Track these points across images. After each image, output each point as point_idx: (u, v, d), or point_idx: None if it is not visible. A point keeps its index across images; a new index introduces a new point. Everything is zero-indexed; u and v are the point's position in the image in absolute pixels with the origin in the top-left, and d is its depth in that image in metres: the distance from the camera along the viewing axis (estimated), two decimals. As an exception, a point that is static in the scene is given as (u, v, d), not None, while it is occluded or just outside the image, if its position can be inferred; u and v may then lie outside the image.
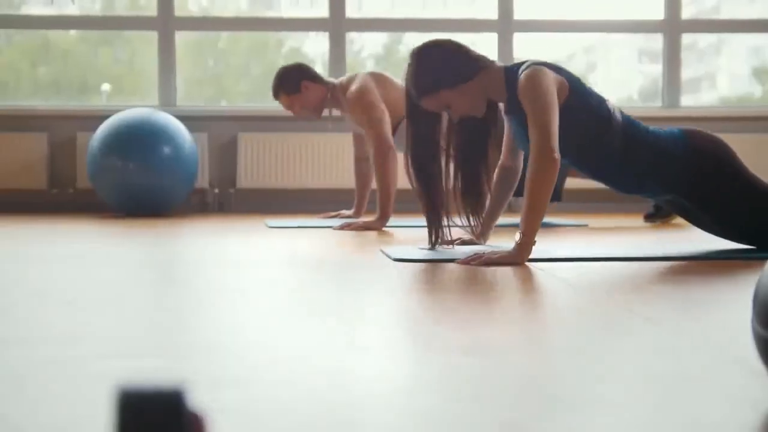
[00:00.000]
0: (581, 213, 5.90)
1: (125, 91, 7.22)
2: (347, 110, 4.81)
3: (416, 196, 3.21)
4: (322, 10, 6.46)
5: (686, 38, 6.73)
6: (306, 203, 6.17)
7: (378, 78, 4.79)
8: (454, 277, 2.58)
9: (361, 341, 1.69)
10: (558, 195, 4.91)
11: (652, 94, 7.86)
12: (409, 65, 3.13)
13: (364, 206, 5.23)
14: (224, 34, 7.30)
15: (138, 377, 1.31)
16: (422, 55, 3.11)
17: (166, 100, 6.35)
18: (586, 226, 4.88)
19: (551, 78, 2.97)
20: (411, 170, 3.19)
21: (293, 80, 4.86)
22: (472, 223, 3.28)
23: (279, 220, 5.12)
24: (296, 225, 4.72)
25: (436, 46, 3.13)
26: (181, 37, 6.60)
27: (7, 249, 3.57)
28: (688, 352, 1.58)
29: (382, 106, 4.68)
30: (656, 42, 6.82)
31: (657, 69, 8.37)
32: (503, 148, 3.32)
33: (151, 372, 1.40)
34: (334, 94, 4.87)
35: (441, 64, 3.08)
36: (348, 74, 4.98)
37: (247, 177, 6.26)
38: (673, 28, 6.55)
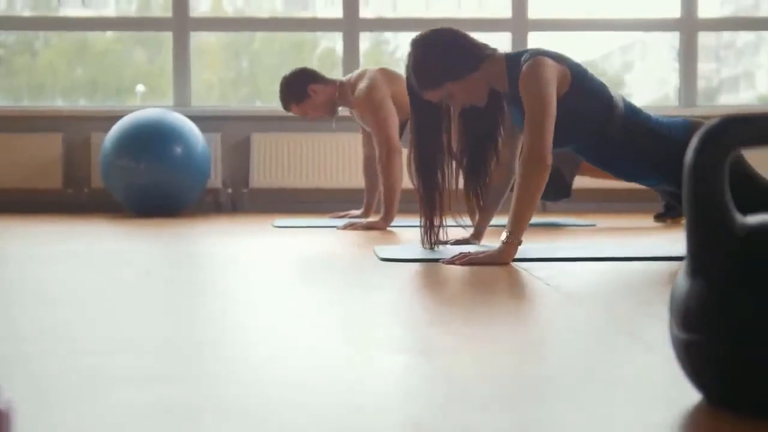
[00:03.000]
0: (591, 213, 5.87)
1: (158, 92, 7.29)
2: (355, 107, 4.80)
3: (416, 192, 3.19)
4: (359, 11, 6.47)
5: (725, 36, 6.66)
6: (318, 203, 6.18)
7: (387, 74, 4.77)
8: (437, 277, 2.58)
9: (324, 342, 1.69)
10: (567, 191, 4.88)
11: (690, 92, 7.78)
12: (410, 55, 3.08)
13: (373, 206, 5.22)
14: (259, 35, 7.33)
15: None
16: (424, 46, 3.06)
17: (181, 101, 6.39)
18: (594, 226, 4.85)
19: (553, 69, 2.94)
20: (414, 164, 3.15)
21: (300, 87, 4.84)
22: (470, 215, 3.27)
23: (285, 220, 5.14)
24: (301, 225, 4.73)
25: (439, 36, 3.07)
26: (216, 38, 6.64)
27: (15, 248, 3.61)
28: (636, 353, 1.56)
29: (390, 105, 4.67)
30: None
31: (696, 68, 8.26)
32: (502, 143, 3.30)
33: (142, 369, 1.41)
34: (342, 92, 4.85)
35: (444, 55, 3.03)
36: (357, 71, 4.95)
37: (260, 177, 6.28)
38: (689, 26, 6.49)
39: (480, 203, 3.26)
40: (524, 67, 2.94)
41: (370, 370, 1.44)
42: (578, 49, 7.58)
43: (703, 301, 1.12)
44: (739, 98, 8.18)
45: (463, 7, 7.60)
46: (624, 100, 3.08)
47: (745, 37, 8.03)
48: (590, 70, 3.08)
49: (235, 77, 7.56)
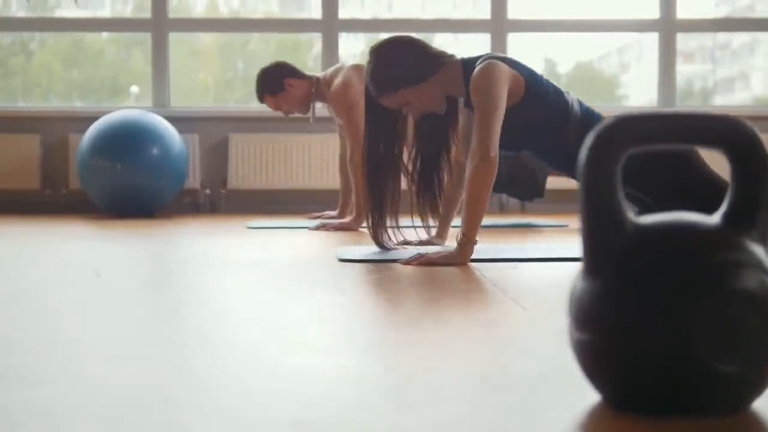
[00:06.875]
0: (565, 213, 5.86)
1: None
2: (331, 103, 4.81)
3: (366, 192, 3.18)
4: (346, 12, 6.46)
5: (720, 37, 6.64)
6: (296, 204, 6.18)
7: (361, 71, 4.76)
8: (389, 278, 2.57)
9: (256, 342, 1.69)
10: (540, 191, 4.87)
11: (687, 94, 7.78)
12: (369, 62, 3.11)
13: (348, 207, 5.21)
14: (255, 36, 7.33)
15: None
16: (381, 53, 3.10)
17: (160, 102, 6.38)
18: (566, 226, 4.85)
19: (505, 74, 2.95)
20: (367, 167, 3.16)
21: (276, 79, 4.84)
22: (430, 223, 3.29)
23: (259, 221, 5.13)
24: (274, 226, 4.73)
25: (396, 44, 3.11)
26: (212, 39, 6.65)
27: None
28: (541, 353, 1.56)
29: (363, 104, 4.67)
30: (692, 41, 6.72)
31: (692, 69, 8.24)
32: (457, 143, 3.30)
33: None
34: (318, 88, 4.85)
35: (400, 62, 3.06)
36: (334, 66, 4.95)
37: (238, 178, 6.28)
38: (667, 27, 6.49)
39: (434, 209, 3.25)
40: (476, 70, 2.95)
41: (275, 370, 1.44)
42: (576, 50, 7.58)
43: (596, 301, 1.12)
44: (735, 99, 8.17)
45: (458, 8, 7.59)
46: (581, 104, 3.08)
47: (740, 38, 8.02)
48: (545, 77, 3.09)
49: (231, 78, 7.55)
